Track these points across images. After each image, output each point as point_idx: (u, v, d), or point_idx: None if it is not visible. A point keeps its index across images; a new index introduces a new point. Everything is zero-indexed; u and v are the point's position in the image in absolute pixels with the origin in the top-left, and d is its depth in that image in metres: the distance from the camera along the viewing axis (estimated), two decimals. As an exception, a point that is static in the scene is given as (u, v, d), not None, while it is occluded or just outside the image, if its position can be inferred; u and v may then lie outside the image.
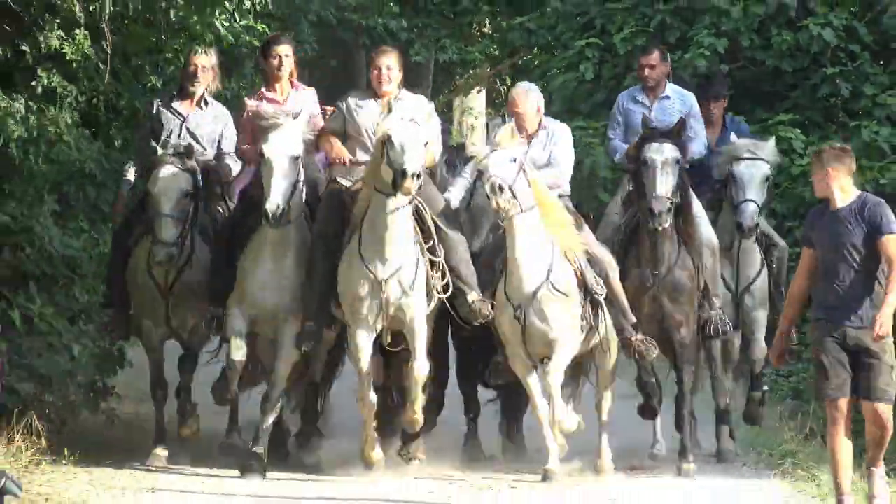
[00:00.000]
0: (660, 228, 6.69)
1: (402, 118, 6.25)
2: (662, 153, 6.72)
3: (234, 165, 7.60)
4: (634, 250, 7.01)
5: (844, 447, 5.25)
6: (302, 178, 6.59)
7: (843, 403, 5.19)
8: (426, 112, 6.72)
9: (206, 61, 7.50)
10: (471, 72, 20.43)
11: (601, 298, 6.62)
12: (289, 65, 7.26)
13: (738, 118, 8.72)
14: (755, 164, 7.32)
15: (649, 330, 6.83)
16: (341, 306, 6.65)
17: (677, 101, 7.58)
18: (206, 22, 7.74)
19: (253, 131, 6.96)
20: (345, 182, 6.89)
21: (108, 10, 7.04)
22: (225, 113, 7.68)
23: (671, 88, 7.70)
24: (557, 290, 6.45)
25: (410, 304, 6.47)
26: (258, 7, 8.24)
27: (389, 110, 6.38)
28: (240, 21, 8.40)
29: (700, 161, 7.60)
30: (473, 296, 6.55)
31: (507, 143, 6.42)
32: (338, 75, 18.69)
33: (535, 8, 14.24)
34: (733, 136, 7.77)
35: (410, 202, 6.39)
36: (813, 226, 5.47)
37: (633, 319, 6.69)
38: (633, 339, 6.65)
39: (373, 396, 6.64)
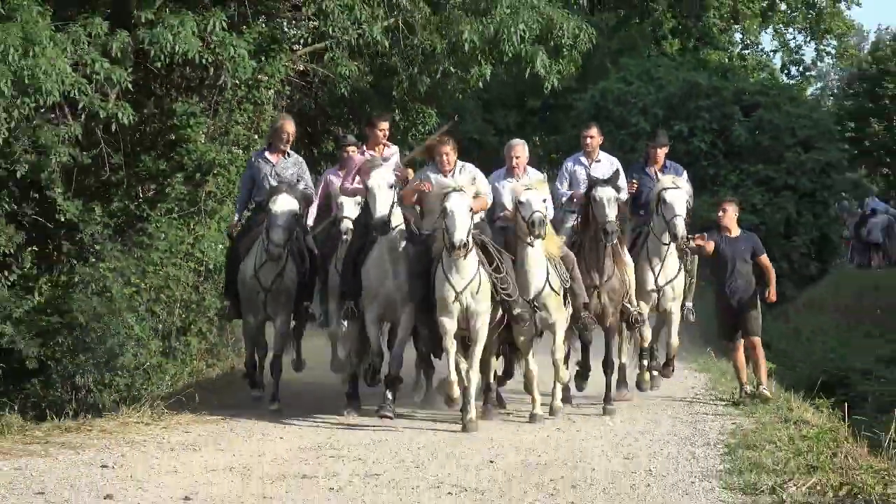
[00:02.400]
0: (609, 245, 9.51)
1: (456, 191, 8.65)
2: (608, 193, 9.40)
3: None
4: (583, 263, 9.56)
5: (741, 361, 10.69)
6: (396, 200, 8.87)
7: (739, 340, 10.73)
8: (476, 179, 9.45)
9: (290, 128, 10.53)
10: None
11: (568, 287, 9.33)
12: (384, 135, 10.27)
13: (673, 162, 11.38)
14: (679, 191, 9.89)
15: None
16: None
17: (607, 163, 10.42)
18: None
19: (359, 172, 9.24)
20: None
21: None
22: (301, 161, 10.65)
23: (602, 155, 10.64)
24: (552, 289, 9.17)
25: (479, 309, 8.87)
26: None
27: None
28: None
29: (640, 193, 10.63)
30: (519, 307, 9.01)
31: (537, 187, 9.10)
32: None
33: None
34: (658, 173, 10.70)
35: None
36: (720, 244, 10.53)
37: (587, 300, 9.44)
38: (583, 315, 9.41)
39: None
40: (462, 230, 8.23)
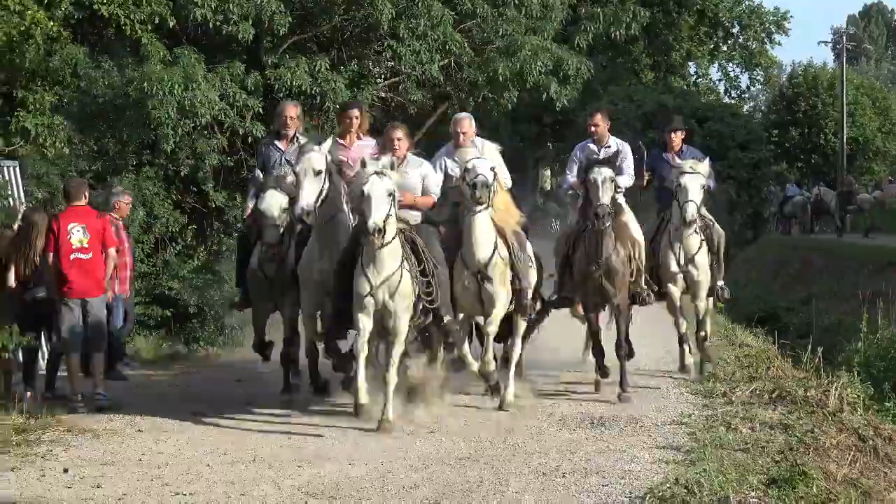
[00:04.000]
0: (603, 227, 7.43)
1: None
2: (602, 174, 7.43)
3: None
4: (583, 245, 7.67)
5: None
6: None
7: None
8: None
9: (292, 112, 8.32)
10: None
11: (521, 266, 7.26)
12: (355, 124, 7.90)
13: (692, 148, 9.43)
14: (694, 177, 8.15)
15: (595, 299, 7.86)
16: None
17: (615, 146, 8.33)
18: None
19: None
20: None
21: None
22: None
23: (613, 140, 8.47)
24: (501, 259, 7.05)
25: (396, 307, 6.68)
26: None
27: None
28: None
29: (662, 178, 8.76)
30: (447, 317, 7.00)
31: (486, 154, 7.14)
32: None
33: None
34: (675, 158, 8.73)
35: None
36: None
37: (529, 285, 7.46)
38: (525, 301, 7.43)
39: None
40: (377, 214, 6.15)
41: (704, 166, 8.35)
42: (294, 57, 15.18)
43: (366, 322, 6.58)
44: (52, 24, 12.89)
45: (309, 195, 6.62)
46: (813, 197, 27.96)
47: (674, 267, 8.46)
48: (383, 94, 16.82)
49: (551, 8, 17.22)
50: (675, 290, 8.52)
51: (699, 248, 8.44)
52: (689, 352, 8.72)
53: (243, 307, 8.57)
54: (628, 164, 8.36)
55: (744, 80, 32.31)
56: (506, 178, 7.64)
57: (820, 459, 6.34)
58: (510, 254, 7.14)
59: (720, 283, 8.79)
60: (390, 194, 6.31)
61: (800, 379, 8.30)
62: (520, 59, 16.12)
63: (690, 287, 8.54)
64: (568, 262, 7.91)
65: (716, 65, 30.29)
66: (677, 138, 9.11)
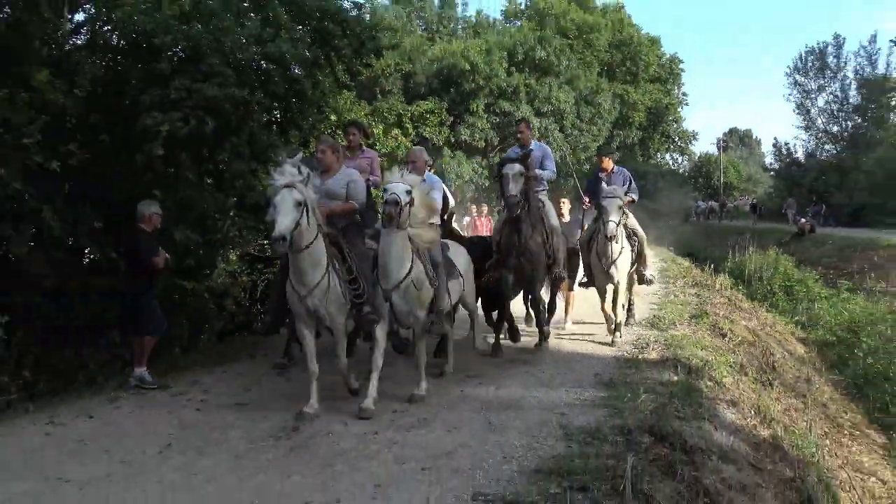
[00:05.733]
0: (514, 215, 8.10)
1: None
2: (512, 169, 8.01)
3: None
4: (507, 230, 8.26)
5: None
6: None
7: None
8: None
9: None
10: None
11: (435, 286, 6.78)
12: (356, 139, 8.46)
13: (623, 168, 10.20)
14: (613, 200, 8.73)
15: (517, 274, 8.36)
16: None
17: (537, 150, 8.99)
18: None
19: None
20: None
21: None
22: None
23: (535, 144, 9.12)
24: (413, 284, 6.45)
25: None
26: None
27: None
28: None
29: (595, 195, 9.28)
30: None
31: (408, 179, 6.44)
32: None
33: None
34: (603, 184, 9.19)
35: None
36: None
37: (448, 307, 7.32)
38: (436, 323, 7.26)
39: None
40: (281, 224, 5.73)
41: (620, 190, 8.97)
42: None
43: (303, 330, 6.30)
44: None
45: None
46: (708, 206, 50.28)
47: (599, 268, 9.16)
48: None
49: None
50: (602, 284, 9.30)
51: (620, 253, 9.02)
52: (614, 319, 9.33)
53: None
54: (549, 163, 9.06)
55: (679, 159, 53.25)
56: (438, 201, 7.53)
57: (711, 308, 12.20)
58: (429, 277, 6.69)
59: (647, 272, 9.96)
60: (300, 204, 5.92)
61: (704, 276, 16.37)
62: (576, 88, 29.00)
63: (614, 280, 9.14)
64: (498, 246, 8.38)
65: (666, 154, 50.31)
66: (607, 162, 10.05)
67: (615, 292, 9.24)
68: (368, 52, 10.57)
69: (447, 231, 8.61)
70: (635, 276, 9.95)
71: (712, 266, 18.25)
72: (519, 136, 9.26)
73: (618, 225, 8.76)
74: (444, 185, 9.16)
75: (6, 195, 7.34)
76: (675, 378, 7.32)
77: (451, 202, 9.40)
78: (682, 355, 8.31)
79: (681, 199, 48.97)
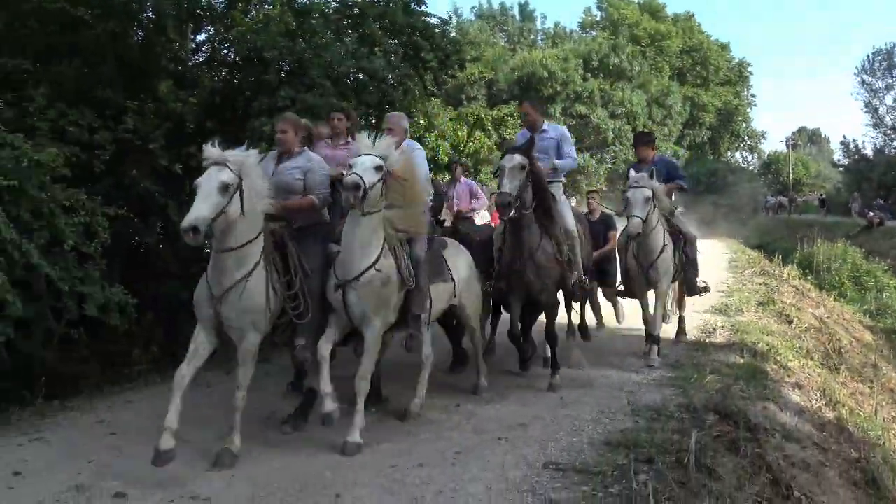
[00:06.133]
0: (505, 217, 5.94)
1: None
2: (511, 161, 5.81)
3: None
4: (509, 238, 6.08)
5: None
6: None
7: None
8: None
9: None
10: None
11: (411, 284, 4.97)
12: (342, 124, 6.10)
13: (665, 155, 8.93)
14: (639, 190, 6.88)
15: (520, 294, 6.12)
16: None
17: (552, 132, 6.71)
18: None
19: None
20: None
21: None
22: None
23: (547, 125, 6.77)
24: (378, 278, 4.72)
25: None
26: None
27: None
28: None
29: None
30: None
31: (381, 147, 4.79)
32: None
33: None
34: (632, 171, 7.39)
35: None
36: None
37: (424, 311, 5.14)
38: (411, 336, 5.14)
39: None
40: (195, 211, 4.07)
41: (648, 179, 6.99)
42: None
43: (201, 336, 4.51)
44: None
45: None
46: (777, 201, 46.39)
47: (635, 271, 7.28)
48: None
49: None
50: (639, 291, 7.38)
51: (659, 254, 7.11)
52: (655, 332, 7.28)
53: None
54: (568, 148, 6.71)
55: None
56: (424, 172, 5.65)
57: (779, 296, 12.09)
58: (400, 271, 4.91)
59: (699, 280, 7.70)
60: (226, 188, 4.23)
61: (772, 267, 15.69)
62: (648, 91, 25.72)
63: (652, 286, 7.27)
64: (500, 254, 6.22)
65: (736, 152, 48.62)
66: (646, 151, 7.81)
67: (656, 301, 7.29)
68: (453, 65, 10.76)
69: (451, 231, 7.05)
70: (684, 286, 7.91)
71: (780, 257, 17.60)
72: (525, 118, 7.07)
73: (644, 220, 6.88)
74: (470, 183, 8.01)
75: (137, 194, 7.70)
76: (741, 361, 7.09)
77: (483, 201, 8.31)
78: (749, 339, 8.05)
79: (751, 194, 46.56)
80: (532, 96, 30.83)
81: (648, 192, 6.94)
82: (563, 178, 6.92)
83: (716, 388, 5.88)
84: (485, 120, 19.63)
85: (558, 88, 32.78)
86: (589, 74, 34.07)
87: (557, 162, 6.60)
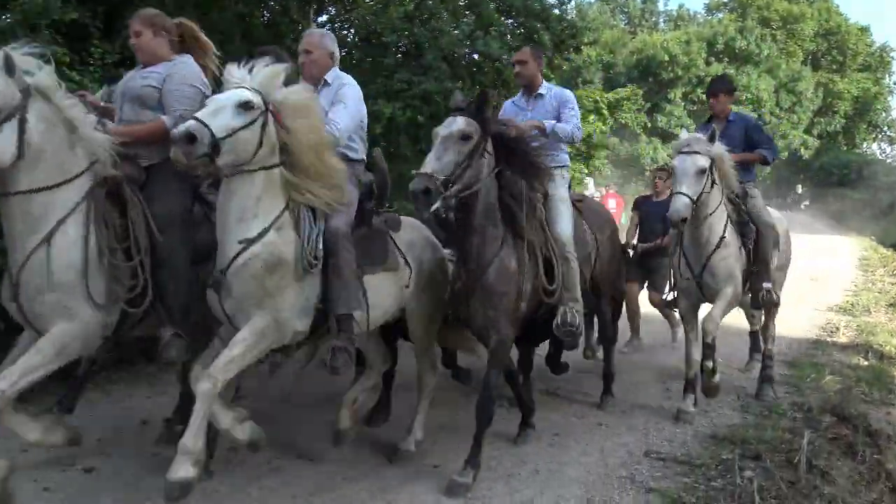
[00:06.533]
0: (425, 216, 3.85)
1: None
2: (448, 127, 3.72)
3: None
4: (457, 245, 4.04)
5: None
6: None
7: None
8: None
9: None
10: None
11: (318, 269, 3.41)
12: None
13: (745, 112, 6.71)
14: (690, 157, 4.78)
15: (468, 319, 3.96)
16: None
17: (549, 96, 4.79)
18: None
19: None
20: None
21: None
22: None
23: (546, 86, 4.86)
24: (259, 263, 3.21)
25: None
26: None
27: None
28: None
29: None
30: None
31: (260, 79, 3.25)
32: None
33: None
34: (683, 132, 5.24)
35: None
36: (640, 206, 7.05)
37: (357, 310, 3.56)
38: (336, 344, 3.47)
39: None
40: None
41: (704, 143, 4.83)
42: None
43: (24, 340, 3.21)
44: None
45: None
46: None
47: (680, 276, 5.19)
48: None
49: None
50: (685, 305, 5.23)
51: (716, 248, 4.95)
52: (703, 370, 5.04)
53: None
54: (570, 114, 4.68)
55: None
56: (341, 128, 3.73)
57: None
58: (303, 255, 3.35)
59: (766, 284, 5.23)
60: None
61: None
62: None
63: (708, 298, 5.14)
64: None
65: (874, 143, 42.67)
66: (721, 102, 5.61)
67: (706, 320, 4.94)
68: (568, 48, 10.59)
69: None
70: (747, 296, 5.43)
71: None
72: (518, 68, 4.87)
73: (695, 201, 4.71)
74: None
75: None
76: (865, 363, 6.69)
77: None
78: (875, 341, 7.56)
79: (888, 189, 42.61)
80: (648, 82, 29.33)
81: (704, 162, 4.74)
82: (566, 165, 4.81)
83: (834, 388, 5.60)
84: (601, 103, 19.28)
85: (679, 73, 31.60)
86: (713, 58, 32.67)
87: (557, 125, 4.57)
